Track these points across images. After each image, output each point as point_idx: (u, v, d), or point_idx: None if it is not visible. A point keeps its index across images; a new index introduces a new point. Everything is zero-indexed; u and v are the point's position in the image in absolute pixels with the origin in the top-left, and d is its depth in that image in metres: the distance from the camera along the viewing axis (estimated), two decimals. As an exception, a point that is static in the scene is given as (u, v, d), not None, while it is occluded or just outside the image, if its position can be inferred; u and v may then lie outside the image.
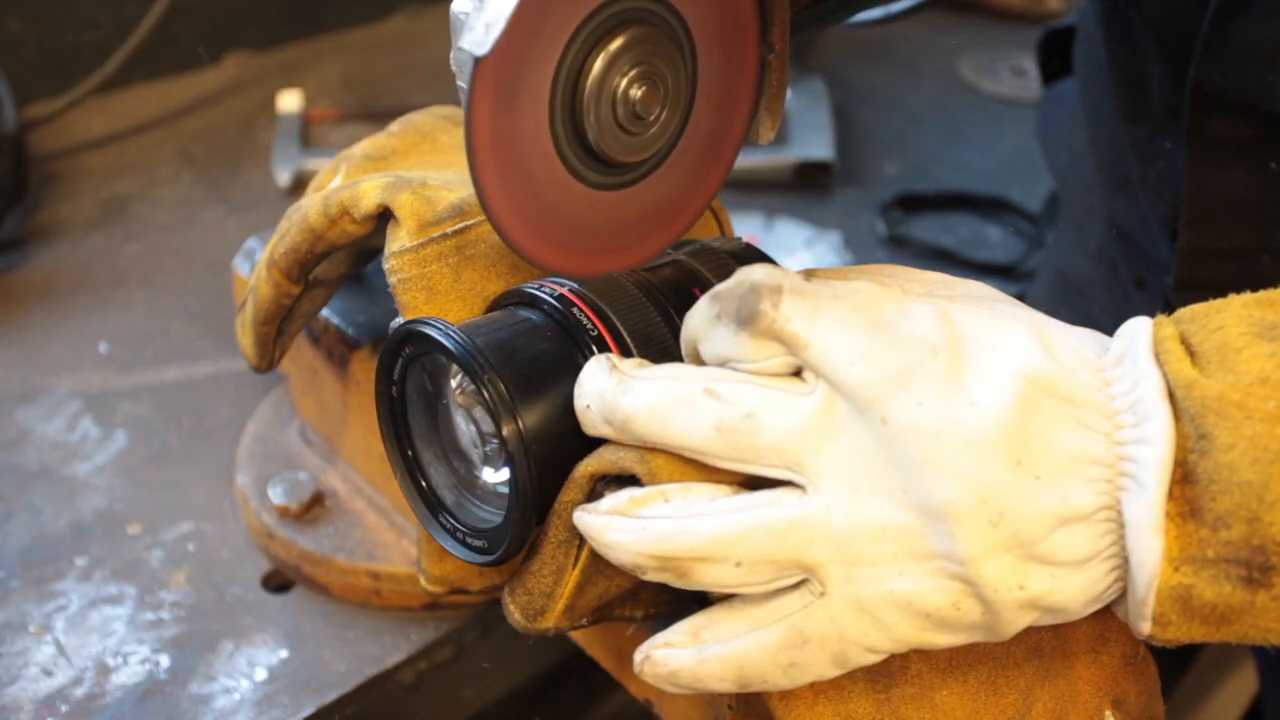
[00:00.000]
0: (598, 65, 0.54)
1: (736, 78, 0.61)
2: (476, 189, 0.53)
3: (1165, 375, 0.49)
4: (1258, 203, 0.77)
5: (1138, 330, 0.51)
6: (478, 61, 0.50)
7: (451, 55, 0.53)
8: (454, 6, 0.52)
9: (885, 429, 0.49)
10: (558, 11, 0.52)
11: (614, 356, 0.54)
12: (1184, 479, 0.48)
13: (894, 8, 0.81)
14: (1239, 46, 0.71)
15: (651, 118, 0.57)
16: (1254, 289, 0.52)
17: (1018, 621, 0.50)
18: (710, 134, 0.61)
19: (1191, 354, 0.50)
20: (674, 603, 0.60)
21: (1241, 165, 0.76)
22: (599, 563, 0.56)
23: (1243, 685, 1.53)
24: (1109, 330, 0.54)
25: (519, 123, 0.53)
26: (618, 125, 0.56)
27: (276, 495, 0.86)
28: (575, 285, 0.60)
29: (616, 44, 0.54)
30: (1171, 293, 0.83)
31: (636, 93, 0.55)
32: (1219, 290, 0.54)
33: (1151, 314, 0.53)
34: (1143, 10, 0.81)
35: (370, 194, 0.66)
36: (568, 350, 0.58)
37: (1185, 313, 0.52)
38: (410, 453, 0.62)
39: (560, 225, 0.57)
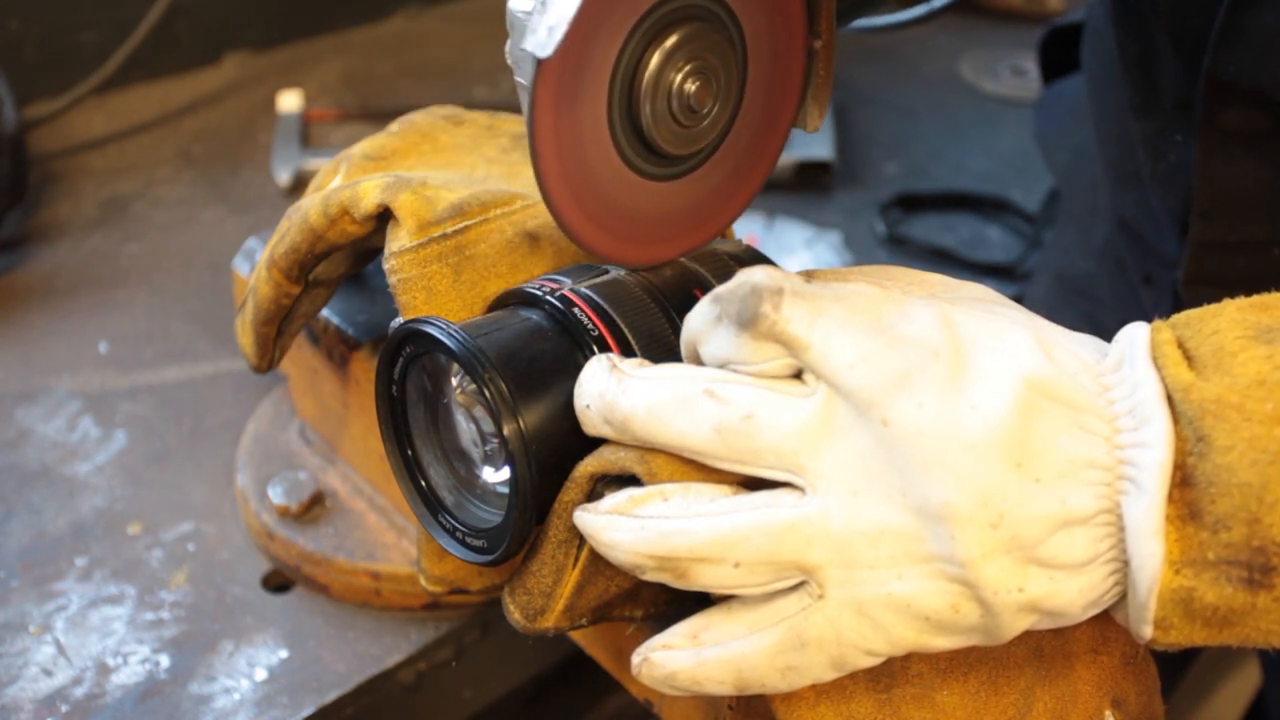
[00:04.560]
0: (654, 62, 0.56)
1: (784, 68, 0.63)
2: (539, 182, 0.55)
3: (1163, 379, 0.49)
4: (1269, 195, 0.78)
5: (1135, 335, 0.51)
6: (540, 63, 0.51)
7: (507, 50, 0.55)
8: (512, 4, 0.54)
9: (885, 431, 0.49)
10: (616, 11, 0.54)
11: (614, 356, 0.54)
12: (1183, 482, 0.48)
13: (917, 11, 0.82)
14: (1255, 37, 0.71)
15: (705, 110, 0.59)
16: (1264, 282, 0.53)
17: (1016, 624, 0.50)
18: (759, 124, 0.63)
19: (1189, 358, 0.50)
20: (674, 603, 0.60)
21: (1253, 157, 0.76)
22: (599, 562, 0.56)
23: (1243, 685, 1.53)
24: (1115, 328, 0.54)
25: (579, 118, 0.55)
26: (672, 118, 0.58)
27: (276, 495, 0.86)
28: (576, 285, 0.61)
29: (671, 41, 0.56)
30: (1181, 287, 0.83)
31: (691, 87, 0.57)
32: (1229, 283, 0.54)
33: (1160, 310, 0.53)
34: (1156, 2, 0.81)
35: (370, 194, 0.66)
36: (568, 350, 0.58)
37: (1181, 318, 0.52)
38: (410, 453, 0.62)
39: (615, 214, 0.60)
